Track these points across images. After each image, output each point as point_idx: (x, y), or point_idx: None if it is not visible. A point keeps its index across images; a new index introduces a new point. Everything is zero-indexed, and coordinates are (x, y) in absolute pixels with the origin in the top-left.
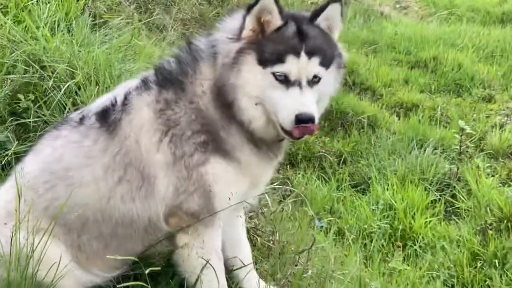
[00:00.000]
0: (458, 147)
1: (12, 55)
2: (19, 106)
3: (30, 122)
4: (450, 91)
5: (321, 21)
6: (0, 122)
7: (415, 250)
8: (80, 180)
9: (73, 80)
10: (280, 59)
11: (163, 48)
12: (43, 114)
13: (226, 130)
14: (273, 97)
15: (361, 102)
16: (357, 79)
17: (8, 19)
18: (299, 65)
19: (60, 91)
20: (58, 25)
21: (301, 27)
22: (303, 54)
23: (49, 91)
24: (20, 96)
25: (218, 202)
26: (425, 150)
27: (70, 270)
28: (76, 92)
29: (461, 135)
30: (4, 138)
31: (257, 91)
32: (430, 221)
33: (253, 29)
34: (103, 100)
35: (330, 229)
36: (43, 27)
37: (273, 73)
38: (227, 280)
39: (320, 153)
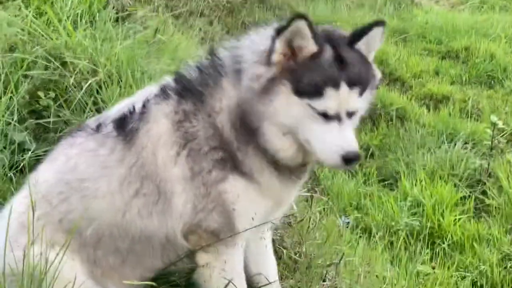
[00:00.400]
0: (489, 142)
1: (33, 50)
2: (39, 104)
3: (49, 122)
4: (481, 83)
5: (361, 44)
6: (19, 121)
7: (444, 248)
8: (95, 191)
9: (95, 78)
10: (319, 92)
11: (190, 36)
12: (63, 114)
13: (243, 152)
14: (310, 129)
15: (389, 93)
16: (386, 69)
17: (30, 12)
18: (339, 98)
19: (81, 89)
20: (81, 18)
21: (340, 53)
22: (343, 85)
23: (70, 89)
24: (40, 93)
25: (238, 221)
26: (455, 145)
27: (86, 285)
28: (97, 90)
29: (493, 130)
30: (22, 138)
31: (290, 121)
32: (459, 219)
33: (284, 54)
34: (121, 107)
35: (356, 226)
36: (65, 20)
37: (310, 105)
38: None
39: None
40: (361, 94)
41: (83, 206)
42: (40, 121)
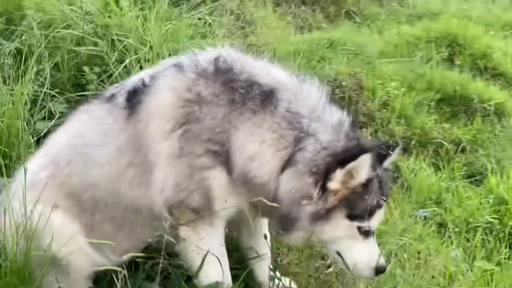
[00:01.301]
0: None
1: (85, 27)
2: (84, 79)
3: (89, 95)
4: None
5: (387, 161)
6: (63, 93)
7: None
8: (95, 158)
9: (136, 56)
10: (370, 215)
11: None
12: (104, 88)
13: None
14: (349, 246)
15: (489, 88)
16: (489, 64)
17: None
18: (380, 217)
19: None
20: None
21: (381, 177)
22: (384, 205)
23: (114, 65)
24: (86, 68)
25: (217, 204)
26: None
27: (83, 248)
28: (141, 67)
29: None
30: (63, 109)
31: (331, 238)
32: None
33: (343, 182)
34: (138, 77)
35: (433, 220)
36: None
37: (359, 227)
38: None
39: (437, 140)
40: None
41: (83, 171)
42: (81, 93)
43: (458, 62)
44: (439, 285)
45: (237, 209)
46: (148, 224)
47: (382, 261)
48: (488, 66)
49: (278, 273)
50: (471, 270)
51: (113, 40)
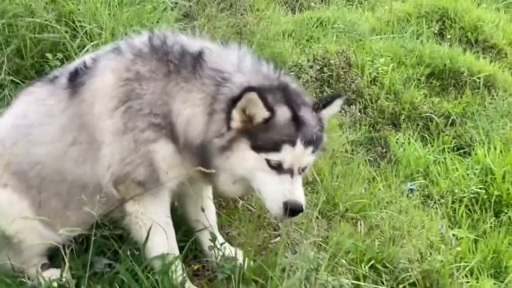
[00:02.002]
0: None
1: (48, 15)
2: (48, 65)
3: None
4: None
5: (323, 112)
6: (27, 80)
7: (509, 217)
8: (39, 138)
9: (96, 41)
10: (276, 148)
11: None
12: None
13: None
14: (263, 180)
15: (479, 61)
16: (480, 36)
17: None
18: (294, 154)
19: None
20: None
21: (298, 114)
22: (299, 143)
23: (77, 51)
24: (49, 55)
25: (163, 176)
26: None
27: (34, 225)
28: None
29: None
30: None
31: (245, 172)
32: None
33: (241, 120)
34: (80, 60)
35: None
36: None
37: (267, 159)
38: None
39: (427, 114)
40: (313, 152)
41: (28, 150)
42: None
43: (449, 36)
44: (421, 254)
45: (181, 181)
46: (94, 200)
47: (297, 200)
48: (479, 39)
49: (219, 242)
50: (457, 239)
51: (75, 27)
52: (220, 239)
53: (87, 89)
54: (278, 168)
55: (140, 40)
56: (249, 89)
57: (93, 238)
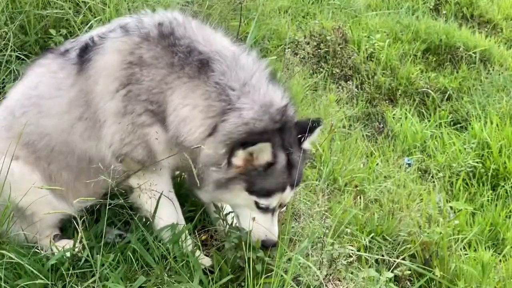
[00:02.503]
0: None
1: None
2: (52, 41)
3: None
4: None
5: (306, 143)
6: (31, 56)
7: (506, 190)
8: (48, 109)
9: (100, 17)
10: (268, 195)
11: None
12: None
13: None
14: (246, 216)
15: (474, 36)
16: (476, 11)
17: None
18: (282, 198)
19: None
20: None
21: (291, 158)
22: (288, 188)
23: (80, 26)
24: (52, 31)
25: (160, 157)
26: None
27: (46, 197)
28: None
29: None
30: None
31: (231, 203)
32: None
33: (245, 159)
34: (91, 34)
35: (416, 166)
36: None
37: (256, 202)
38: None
39: (423, 89)
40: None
41: (37, 121)
42: None
43: (444, 12)
44: (419, 227)
45: (179, 159)
46: (101, 173)
47: (273, 238)
48: (474, 14)
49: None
50: (455, 212)
51: (78, 2)
52: (227, 209)
53: (92, 66)
54: (263, 208)
55: (149, 21)
56: (265, 139)
57: (107, 207)
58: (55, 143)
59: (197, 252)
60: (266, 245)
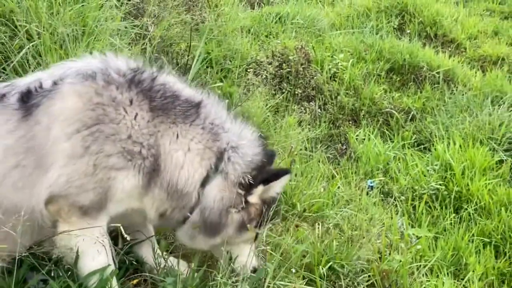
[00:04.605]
0: None
1: None
2: None
3: None
4: None
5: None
6: None
7: (469, 213)
8: None
9: (35, 42)
10: (265, 224)
11: None
12: (6, 75)
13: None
14: (243, 251)
15: (438, 55)
16: (439, 31)
17: None
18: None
19: (26, 52)
20: None
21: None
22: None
23: (16, 52)
24: None
25: (112, 206)
26: (499, 107)
27: None
28: (40, 54)
29: None
30: None
31: (238, 242)
32: (490, 184)
33: (260, 195)
34: (31, 80)
35: (379, 189)
36: None
37: (257, 234)
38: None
39: (387, 110)
40: None
41: None
42: None
43: (408, 31)
44: (380, 254)
45: (128, 210)
46: (28, 229)
47: (256, 267)
48: (438, 33)
49: (159, 253)
50: (417, 237)
51: (15, 26)
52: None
53: (43, 111)
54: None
55: (112, 67)
56: (287, 171)
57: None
58: None
59: None
60: (256, 271)
